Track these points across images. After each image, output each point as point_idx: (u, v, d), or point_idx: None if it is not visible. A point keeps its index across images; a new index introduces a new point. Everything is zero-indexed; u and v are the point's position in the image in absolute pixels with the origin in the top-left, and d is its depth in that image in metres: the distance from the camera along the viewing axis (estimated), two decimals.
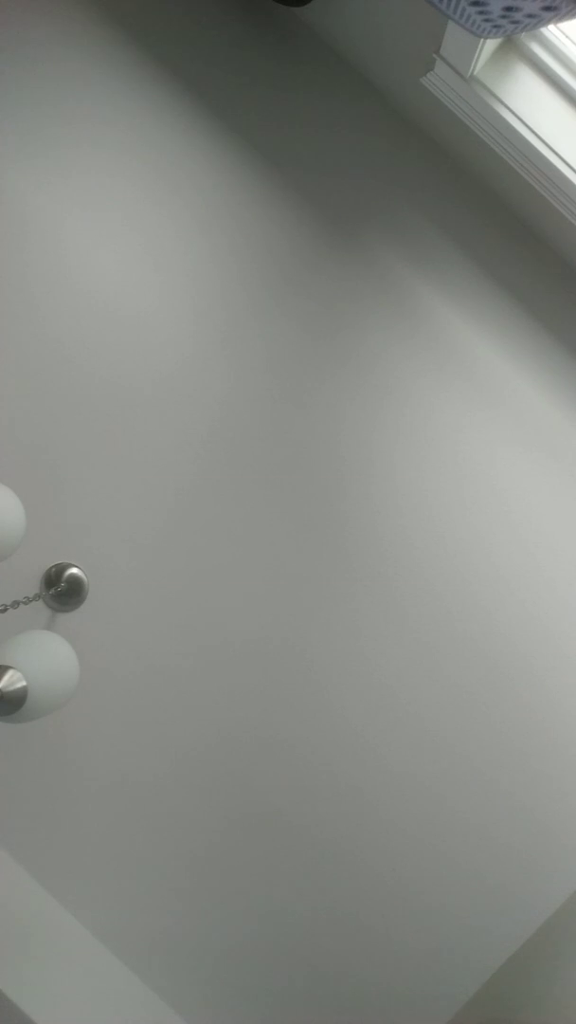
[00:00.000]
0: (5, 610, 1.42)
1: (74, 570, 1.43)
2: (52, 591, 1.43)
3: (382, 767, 1.55)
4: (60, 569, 1.43)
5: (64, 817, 1.49)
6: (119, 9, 1.57)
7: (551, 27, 1.41)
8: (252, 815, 1.53)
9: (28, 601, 1.46)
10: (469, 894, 1.57)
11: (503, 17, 1.07)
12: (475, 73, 1.42)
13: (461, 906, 1.57)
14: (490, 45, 1.40)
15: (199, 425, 1.55)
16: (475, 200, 1.65)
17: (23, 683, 1.28)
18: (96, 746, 1.49)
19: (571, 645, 1.62)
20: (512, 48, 1.44)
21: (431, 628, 1.57)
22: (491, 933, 1.58)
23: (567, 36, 1.42)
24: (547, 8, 1.02)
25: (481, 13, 1.09)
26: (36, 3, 1.56)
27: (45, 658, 1.38)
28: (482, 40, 1.33)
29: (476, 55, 1.37)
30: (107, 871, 1.51)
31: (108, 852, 1.51)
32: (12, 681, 1.27)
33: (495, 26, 1.14)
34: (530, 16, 1.05)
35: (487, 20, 1.12)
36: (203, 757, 1.52)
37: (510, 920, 1.59)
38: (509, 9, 1.04)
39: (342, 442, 1.57)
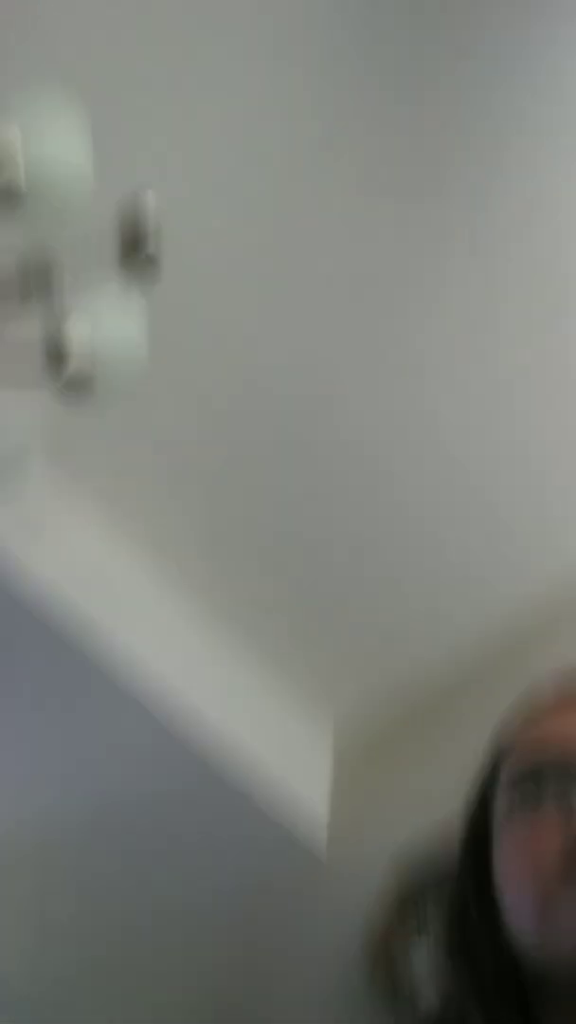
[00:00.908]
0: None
1: (151, 241, 1.27)
2: (130, 258, 1.28)
3: None
4: (138, 236, 1.27)
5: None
6: None
7: None
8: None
9: (104, 275, 1.32)
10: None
11: None
12: None
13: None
14: None
15: None
16: None
17: (89, 367, 1.24)
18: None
19: None
20: None
21: None
22: None
23: None
24: None
25: None
26: None
27: (112, 334, 1.30)
28: None
29: None
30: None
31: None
32: (79, 365, 1.23)
33: None
34: None
35: None
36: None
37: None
38: None
39: None
